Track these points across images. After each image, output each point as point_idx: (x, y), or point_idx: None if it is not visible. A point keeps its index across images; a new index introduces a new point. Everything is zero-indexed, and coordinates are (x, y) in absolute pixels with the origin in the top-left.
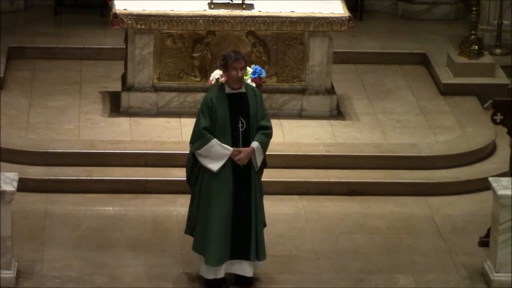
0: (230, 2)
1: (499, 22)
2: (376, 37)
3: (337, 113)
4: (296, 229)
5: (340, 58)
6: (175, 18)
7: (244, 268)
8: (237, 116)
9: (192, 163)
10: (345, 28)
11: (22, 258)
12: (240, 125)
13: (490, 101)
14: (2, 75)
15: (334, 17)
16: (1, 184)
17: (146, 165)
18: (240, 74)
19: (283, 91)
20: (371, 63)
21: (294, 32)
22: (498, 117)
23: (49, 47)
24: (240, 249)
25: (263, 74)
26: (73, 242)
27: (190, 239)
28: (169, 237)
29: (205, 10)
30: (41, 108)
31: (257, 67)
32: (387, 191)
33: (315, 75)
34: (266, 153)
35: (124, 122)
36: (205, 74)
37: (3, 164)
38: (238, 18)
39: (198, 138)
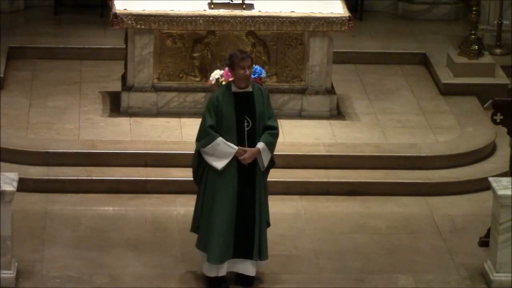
0: (230, 2)
1: (499, 22)
2: (376, 37)
3: (337, 113)
4: (296, 229)
5: (340, 58)
6: (175, 18)
7: (247, 267)
8: (242, 115)
9: (197, 161)
10: (345, 28)
11: (22, 258)
12: (245, 124)
13: (490, 101)
14: (2, 75)
15: (334, 17)
16: (1, 184)
17: (146, 165)
18: (247, 72)
19: (283, 91)
20: (371, 63)
21: (294, 32)
22: (498, 117)
23: (49, 47)
24: (243, 248)
25: (263, 74)
26: (73, 242)
27: (190, 239)
28: (169, 237)
29: (205, 10)
30: (41, 108)
31: (257, 67)
32: (387, 191)
33: (315, 75)
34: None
35: (124, 122)
36: (205, 74)
37: (3, 164)
38: (238, 18)
39: (204, 136)
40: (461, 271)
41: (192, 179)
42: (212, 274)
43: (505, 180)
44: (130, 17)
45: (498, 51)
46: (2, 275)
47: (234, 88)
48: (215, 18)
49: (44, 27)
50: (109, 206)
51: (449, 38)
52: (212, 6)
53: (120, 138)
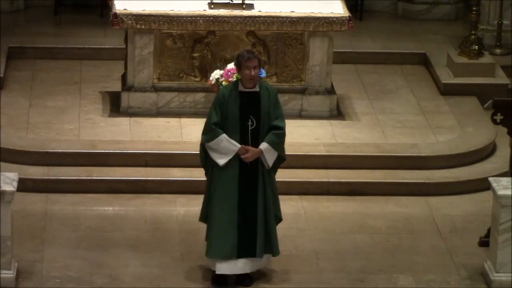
0: (230, 2)
1: (499, 22)
2: (376, 37)
3: (337, 113)
4: (296, 229)
5: (340, 58)
6: (175, 18)
7: (250, 266)
8: (247, 114)
9: (204, 154)
10: (345, 28)
11: (22, 258)
12: (249, 123)
13: (490, 101)
14: (2, 75)
15: (334, 17)
16: (1, 184)
17: (146, 165)
18: (253, 73)
19: (283, 91)
20: (371, 63)
21: (294, 32)
22: (498, 117)
23: (49, 47)
24: (246, 247)
25: (263, 74)
26: (73, 242)
27: (190, 239)
28: (169, 237)
29: (205, 10)
30: (41, 108)
31: None
32: (387, 191)
33: (315, 75)
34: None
35: (124, 122)
36: (205, 74)
37: (3, 164)
38: (238, 18)
39: (209, 132)
40: (461, 271)
41: (192, 179)
42: (214, 267)
43: (505, 180)
44: (130, 17)
45: (498, 51)
46: (2, 275)
47: (241, 87)
48: (215, 18)
49: (44, 27)
50: (109, 206)
51: (449, 38)
52: (212, 6)
53: (120, 138)
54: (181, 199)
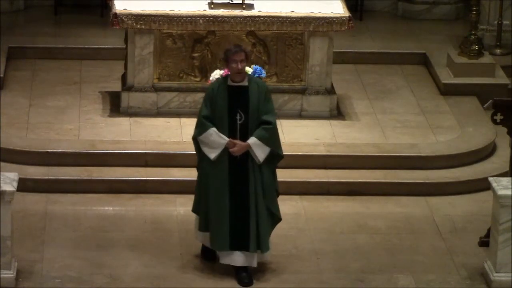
0: (230, 2)
1: (499, 22)
2: (376, 37)
3: (337, 113)
4: (296, 229)
5: (340, 58)
6: (175, 18)
7: (244, 259)
8: (235, 109)
9: (196, 147)
10: (345, 28)
11: (22, 258)
12: (238, 117)
13: (490, 101)
14: (2, 75)
15: (334, 17)
16: (1, 184)
17: (146, 165)
18: (240, 66)
19: (283, 91)
20: (371, 63)
21: (294, 32)
22: (498, 117)
23: (49, 47)
24: (239, 240)
25: (263, 74)
26: (73, 242)
27: (190, 239)
28: (169, 237)
29: (205, 10)
30: (41, 108)
31: (257, 67)
32: (387, 191)
33: (315, 75)
34: None
35: (124, 122)
36: (205, 74)
37: (3, 164)
38: (238, 18)
39: (199, 125)
40: (461, 271)
41: (192, 179)
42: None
43: (505, 180)
44: (130, 17)
45: (498, 51)
46: (2, 275)
47: (229, 81)
48: (215, 18)
49: (44, 27)
50: (109, 206)
51: (449, 38)
52: (212, 6)
53: (120, 138)
54: (181, 199)
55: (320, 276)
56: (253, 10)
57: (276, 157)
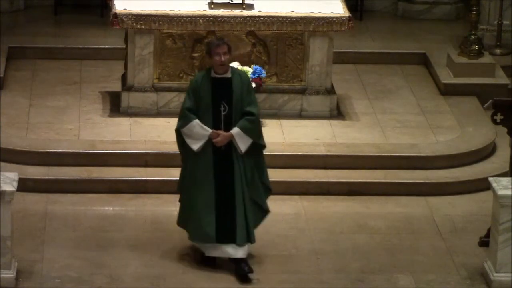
0: (230, 2)
1: (499, 22)
2: (376, 37)
3: (337, 113)
4: (296, 229)
5: (340, 58)
6: (175, 18)
7: (232, 251)
8: (219, 100)
9: (179, 140)
10: (345, 28)
11: (22, 258)
12: (222, 109)
13: (490, 101)
14: (2, 75)
15: (334, 17)
16: (1, 184)
17: (146, 165)
18: (222, 59)
19: (283, 91)
20: (371, 63)
21: (294, 32)
22: (498, 117)
23: (49, 47)
24: (225, 232)
25: (263, 74)
26: (73, 242)
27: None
28: (169, 237)
29: (205, 10)
30: (41, 108)
31: (257, 67)
32: (387, 191)
33: (315, 75)
34: (272, 152)
35: (124, 122)
36: None
37: (3, 164)
38: (238, 18)
39: (182, 117)
40: (461, 271)
41: None
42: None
43: (505, 180)
44: (130, 17)
45: (498, 51)
46: (2, 275)
47: (212, 73)
48: (215, 18)
49: (44, 27)
50: (109, 206)
51: (449, 38)
52: (212, 6)
53: (120, 138)
54: None
55: (320, 276)
56: (253, 10)
57: (259, 147)
